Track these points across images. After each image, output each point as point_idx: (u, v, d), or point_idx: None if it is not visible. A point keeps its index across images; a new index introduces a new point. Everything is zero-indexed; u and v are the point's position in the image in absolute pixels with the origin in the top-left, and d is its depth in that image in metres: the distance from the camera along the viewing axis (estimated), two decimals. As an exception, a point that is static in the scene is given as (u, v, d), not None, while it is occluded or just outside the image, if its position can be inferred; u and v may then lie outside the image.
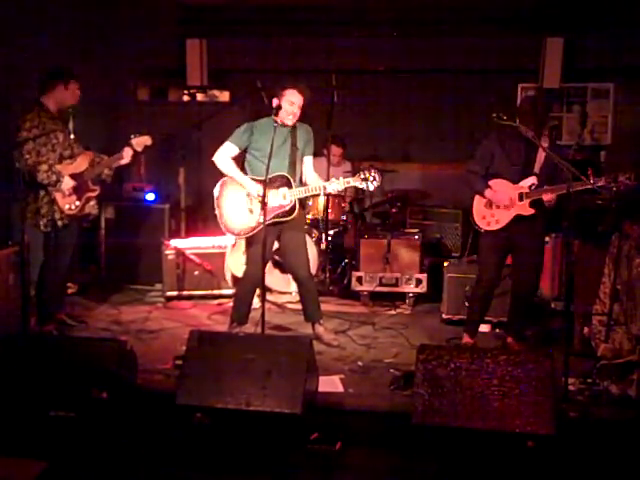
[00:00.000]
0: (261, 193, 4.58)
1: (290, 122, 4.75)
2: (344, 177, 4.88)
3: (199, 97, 7.86)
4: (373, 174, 4.72)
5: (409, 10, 6.99)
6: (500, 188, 4.73)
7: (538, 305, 5.57)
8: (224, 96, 7.89)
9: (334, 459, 3.64)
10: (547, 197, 4.57)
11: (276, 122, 4.60)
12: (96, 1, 6.98)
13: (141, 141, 5.15)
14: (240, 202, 4.89)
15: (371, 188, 4.77)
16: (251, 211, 4.85)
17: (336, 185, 4.77)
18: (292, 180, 4.79)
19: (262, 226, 4.59)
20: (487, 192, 4.76)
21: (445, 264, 5.70)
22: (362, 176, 4.73)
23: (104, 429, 3.79)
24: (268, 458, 3.66)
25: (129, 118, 7.42)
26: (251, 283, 4.98)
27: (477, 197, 4.86)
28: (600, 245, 4.85)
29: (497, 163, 4.75)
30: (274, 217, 4.77)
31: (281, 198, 4.77)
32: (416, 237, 6.14)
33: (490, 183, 4.76)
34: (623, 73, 6.99)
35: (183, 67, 7.44)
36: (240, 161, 4.96)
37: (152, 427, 3.87)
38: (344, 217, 6.47)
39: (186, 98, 7.89)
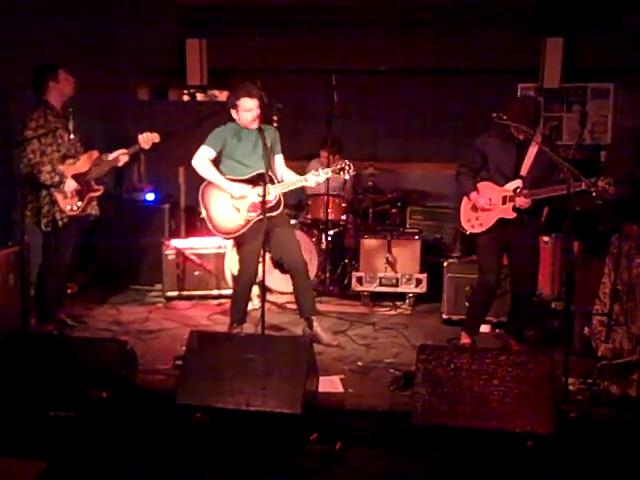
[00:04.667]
0: (242, 193, 4.88)
1: (255, 126, 4.88)
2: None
3: (199, 97, 7.86)
4: (347, 163, 4.92)
5: (409, 10, 6.99)
6: (486, 191, 4.75)
7: (538, 305, 5.57)
8: (224, 96, 7.88)
9: (334, 459, 3.64)
10: (519, 202, 4.59)
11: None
12: (96, 1, 6.97)
13: (149, 138, 5.13)
14: (225, 203, 4.95)
15: (347, 177, 5.00)
16: (238, 210, 4.93)
17: (316, 177, 4.91)
18: (274, 176, 4.89)
19: (251, 224, 4.86)
20: (472, 194, 4.79)
21: (445, 264, 5.70)
22: (338, 167, 4.93)
23: (104, 429, 3.79)
24: (268, 458, 3.66)
25: (129, 118, 7.42)
26: (246, 281, 5.06)
27: (463, 202, 4.90)
28: (600, 245, 4.85)
29: (487, 165, 4.77)
30: (261, 213, 4.80)
31: (266, 194, 4.83)
32: (416, 237, 6.14)
33: (479, 185, 4.79)
34: (623, 73, 6.99)
35: (183, 67, 7.44)
36: (216, 164, 5.03)
37: (152, 427, 3.87)
38: (344, 217, 6.48)
39: (186, 98, 7.89)
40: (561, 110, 7.23)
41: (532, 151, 4.60)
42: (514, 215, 4.64)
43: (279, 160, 5.07)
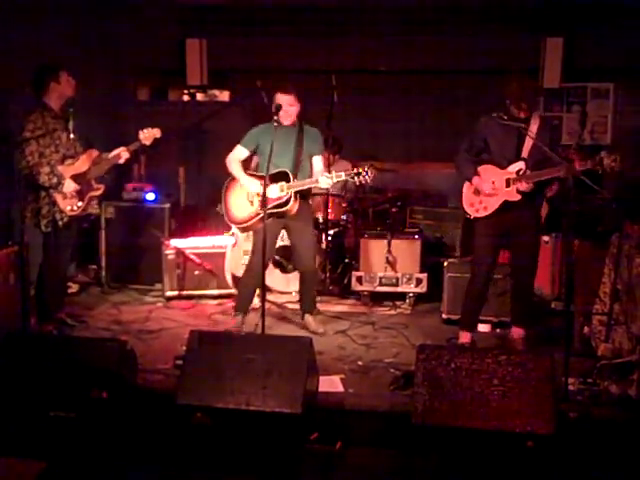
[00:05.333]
0: (256, 190, 5.07)
1: (287, 122, 5.04)
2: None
3: (199, 97, 7.86)
4: (367, 169, 4.95)
5: (409, 10, 6.99)
6: (488, 174, 4.72)
7: (538, 305, 5.57)
8: (224, 96, 7.90)
9: (334, 459, 3.64)
10: (522, 187, 4.58)
11: (276, 122, 4.86)
12: (96, 1, 6.98)
13: (150, 134, 5.16)
14: (242, 196, 5.21)
15: (363, 182, 5.02)
16: (252, 203, 5.17)
17: (327, 179, 5.00)
18: (291, 175, 5.03)
19: (260, 216, 4.98)
20: (474, 179, 4.75)
21: (445, 264, 5.70)
22: (356, 170, 4.98)
23: (104, 429, 3.79)
24: (268, 458, 3.66)
25: (129, 118, 7.42)
26: (255, 272, 5.19)
27: (465, 186, 4.86)
28: (600, 245, 4.84)
29: (488, 148, 4.74)
30: (272, 208, 5.01)
31: (279, 191, 5.04)
32: (416, 237, 6.14)
33: (479, 169, 4.76)
34: (623, 73, 6.99)
35: (183, 67, 7.44)
36: (252, 162, 5.36)
37: (152, 427, 3.87)
38: (344, 217, 6.49)
39: (186, 98, 7.90)
40: (561, 110, 7.24)
41: (532, 132, 4.56)
42: (519, 197, 4.61)
43: (317, 161, 5.21)
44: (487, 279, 4.87)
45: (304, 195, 5.17)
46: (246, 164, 5.36)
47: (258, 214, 5.07)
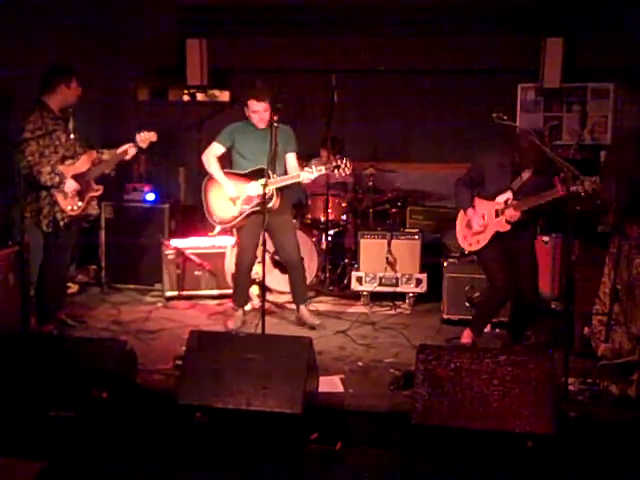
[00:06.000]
0: (234, 195, 5.18)
1: (262, 126, 5.12)
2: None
3: (199, 97, 7.86)
4: (345, 162, 5.05)
5: (409, 10, 6.99)
6: (480, 207, 4.79)
7: (538, 305, 5.57)
8: (224, 96, 7.89)
9: (334, 459, 3.64)
10: (509, 215, 4.60)
11: (276, 123, 4.87)
12: (97, 1, 6.98)
13: (146, 137, 5.17)
14: (223, 195, 5.27)
15: (343, 174, 5.12)
16: (234, 202, 5.24)
17: (309, 174, 5.08)
18: (270, 172, 5.04)
19: (244, 215, 5.19)
20: (469, 211, 4.82)
21: (445, 264, 5.70)
22: (334, 164, 5.08)
23: (104, 429, 3.79)
24: (268, 458, 3.66)
25: (129, 118, 7.42)
26: (244, 268, 5.40)
27: (459, 216, 4.93)
28: (600, 245, 4.85)
29: (484, 185, 4.79)
30: (255, 205, 5.14)
31: (260, 188, 5.03)
32: (416, 237, 6.14)
33: (475, 202, 4.82)
34: (623, 73, 6.99)
35: (183, 67, 7.44)
36: (227, 158, 5.34)
37: (152, 427, 3.87)
38: (344, 217, 6.49)
39: (186, 98, 7.89)
40: (561, 110, 7.23)
41: (526, 174, 4.61)
42: (508, 228, 4.66)
43: (291, 158, 5.27)
44: (511, 287, 4.79)
45: (283, 190, 5.22)
46: (222, 160, 5.33)
47: (242, 213, 5.18)
